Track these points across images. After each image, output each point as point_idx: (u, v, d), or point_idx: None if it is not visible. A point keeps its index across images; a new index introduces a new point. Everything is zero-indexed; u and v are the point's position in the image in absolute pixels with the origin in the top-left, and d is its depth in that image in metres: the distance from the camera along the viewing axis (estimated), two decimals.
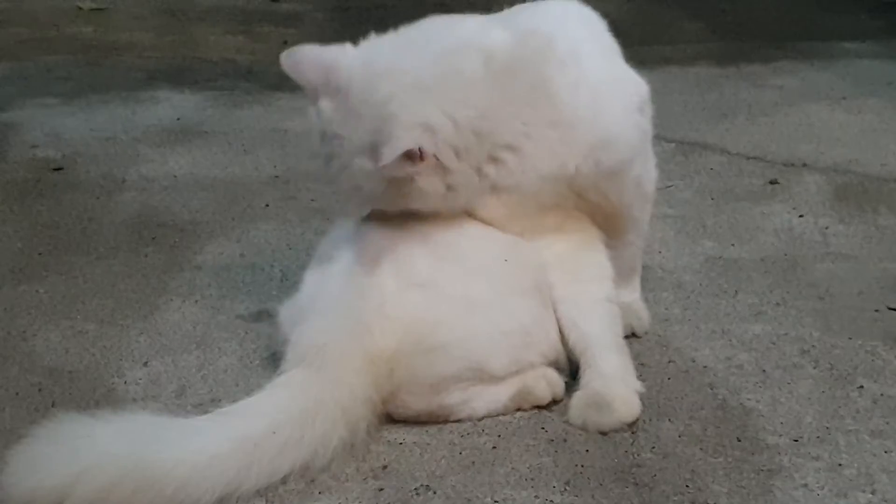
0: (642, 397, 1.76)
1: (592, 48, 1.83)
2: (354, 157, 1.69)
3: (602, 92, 1.78)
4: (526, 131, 1.73)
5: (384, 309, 1.67)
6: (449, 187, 1.71)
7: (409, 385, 1.67)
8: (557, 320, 1.78)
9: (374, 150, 1.64)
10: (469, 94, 1.69)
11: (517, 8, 1.87)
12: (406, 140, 1.62)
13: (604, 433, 1.69)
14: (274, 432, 1.54)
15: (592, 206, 1.81)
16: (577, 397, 1.73)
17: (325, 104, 1.72)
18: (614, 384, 1.73)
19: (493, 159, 1.73)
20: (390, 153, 1.60)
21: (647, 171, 1.90)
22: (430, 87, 1.68)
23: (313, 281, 1.80)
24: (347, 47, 1.75)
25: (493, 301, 1.71)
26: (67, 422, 1.54)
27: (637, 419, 1.72)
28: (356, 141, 1.68)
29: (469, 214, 1.78)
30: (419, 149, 1.63)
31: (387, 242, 1.73)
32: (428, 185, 1.69)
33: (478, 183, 1.74)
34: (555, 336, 1.78)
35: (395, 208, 1.74)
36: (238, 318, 2.06)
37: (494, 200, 1.77)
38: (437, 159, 1.67)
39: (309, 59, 1.73)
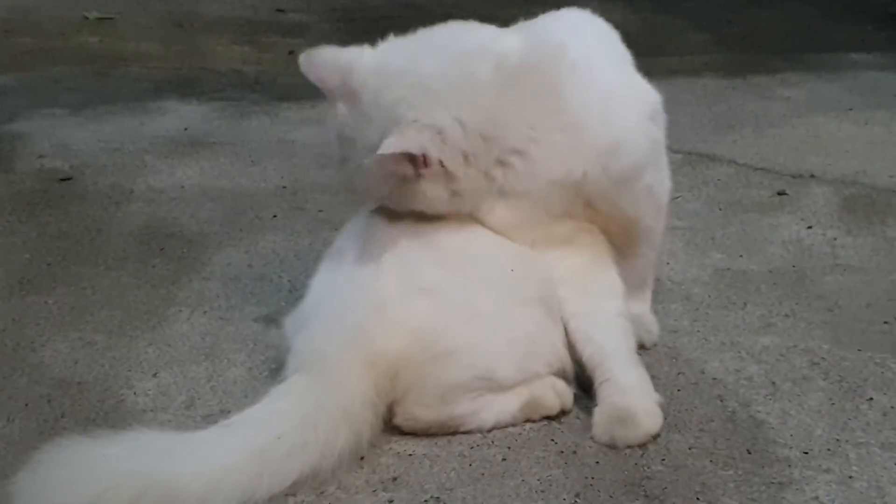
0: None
1: (603, 56, 1.84)
2: (364, 159, 1.69)
3: (612, 98, 1.78)
4: (534, 136, 1.73)
5: (386, 312, 1.67)
6: (454, 193, 1.72)
7: (417, 395, 1.67)
8: (571, 335, 1.78)
9: None
10: (479, 98, 1.70)
11: (533, 20, 1.88)
12: (412, 140, 1.63)
13: (631, 447, 1.68)
14: (279, 438, 1.54)
15: (605, 217, 1.81)
16: (599, 413, 1.72)
17: (341, 107, 1.73)
18: (635, 397, 1.72)
19: (501, 163, 1.74)
20: (390, 146, 1.61)
21: (659, 181, 1.90)
22: (440, 90, 1.69)
23: (318, 286, 1.80)
24: (365, 49, 1.77)
25: (498, 309, 1.71)
26: (78, 443, 1.52)
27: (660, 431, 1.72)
28: (366, 142, 1.69)
29: (478, 221, 1.78)
30: (423, 155, 1.65)
31: (392, 247, 1.73)
32: (432, 191, 1.71)
33: (486, 187, 1.75)
34: (560, 347, 1.78)
35: (404, 209, 1.75)
36: (247, 329, 2.06)
37: (503, 206, 1.77)
38: (443, 165, 1.68)
39: (326, 61, 1.74)
